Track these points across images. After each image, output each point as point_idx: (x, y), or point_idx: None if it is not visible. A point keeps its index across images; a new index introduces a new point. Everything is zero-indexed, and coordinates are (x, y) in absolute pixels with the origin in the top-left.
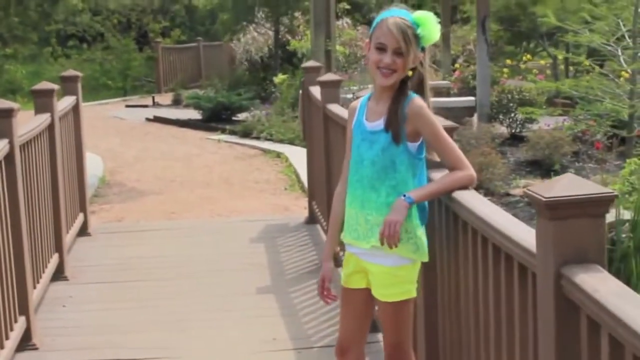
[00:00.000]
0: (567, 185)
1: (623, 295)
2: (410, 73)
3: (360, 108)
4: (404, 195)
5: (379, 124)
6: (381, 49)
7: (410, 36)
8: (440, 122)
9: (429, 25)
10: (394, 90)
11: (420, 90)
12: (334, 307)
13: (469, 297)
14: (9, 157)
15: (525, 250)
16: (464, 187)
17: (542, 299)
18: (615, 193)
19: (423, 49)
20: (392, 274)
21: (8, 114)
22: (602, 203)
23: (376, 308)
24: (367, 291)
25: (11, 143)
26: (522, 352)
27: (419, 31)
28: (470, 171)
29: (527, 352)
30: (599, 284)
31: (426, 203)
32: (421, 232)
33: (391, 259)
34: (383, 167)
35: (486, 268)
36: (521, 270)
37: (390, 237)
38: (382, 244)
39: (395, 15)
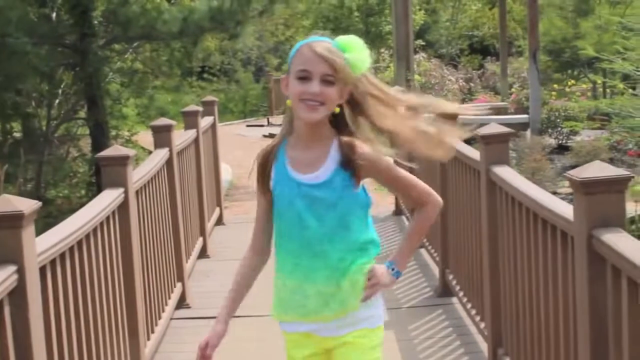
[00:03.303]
0: (596, 169)
1: (637, 248)
2: (337, 110)
3: (278, 159)
4: (392, 269)
5: (323, 173)
6: (305, 77)
7: (340, 63)
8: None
9: (358, 51)
10: (326, 132)
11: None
12: None
13: (524, 260)
14: (169, 161)
15: (565, 219)
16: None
17: (578, 254)
18: (631, 175)
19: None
20: (372, 337)
21: (168, 129)
22: (622, 182)
23: None
24: None
25: (170, 151)
26: (564, 298)
27: (347, 56)
28: (434, 197)
29: (567, 297)
30: (620, 241)
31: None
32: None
33: (366, 322)
34: (333, 227)
35: (537, 237)
36: (562, 235)
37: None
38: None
39: (319, 40)
